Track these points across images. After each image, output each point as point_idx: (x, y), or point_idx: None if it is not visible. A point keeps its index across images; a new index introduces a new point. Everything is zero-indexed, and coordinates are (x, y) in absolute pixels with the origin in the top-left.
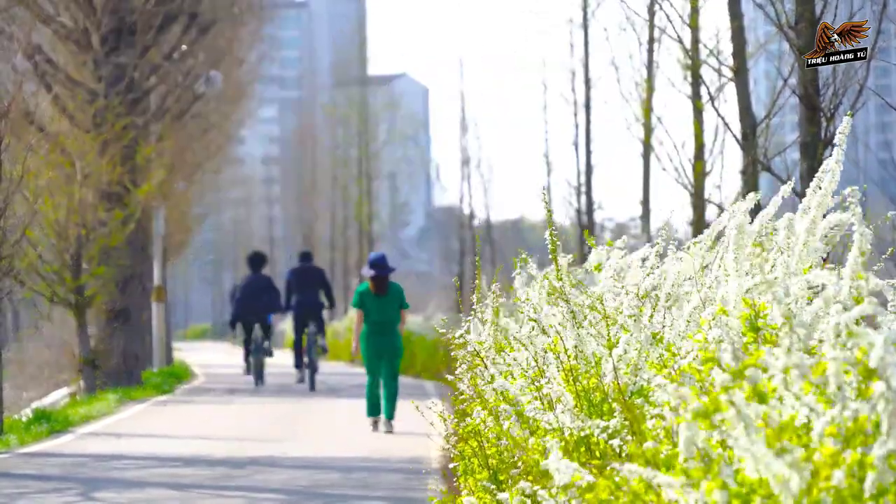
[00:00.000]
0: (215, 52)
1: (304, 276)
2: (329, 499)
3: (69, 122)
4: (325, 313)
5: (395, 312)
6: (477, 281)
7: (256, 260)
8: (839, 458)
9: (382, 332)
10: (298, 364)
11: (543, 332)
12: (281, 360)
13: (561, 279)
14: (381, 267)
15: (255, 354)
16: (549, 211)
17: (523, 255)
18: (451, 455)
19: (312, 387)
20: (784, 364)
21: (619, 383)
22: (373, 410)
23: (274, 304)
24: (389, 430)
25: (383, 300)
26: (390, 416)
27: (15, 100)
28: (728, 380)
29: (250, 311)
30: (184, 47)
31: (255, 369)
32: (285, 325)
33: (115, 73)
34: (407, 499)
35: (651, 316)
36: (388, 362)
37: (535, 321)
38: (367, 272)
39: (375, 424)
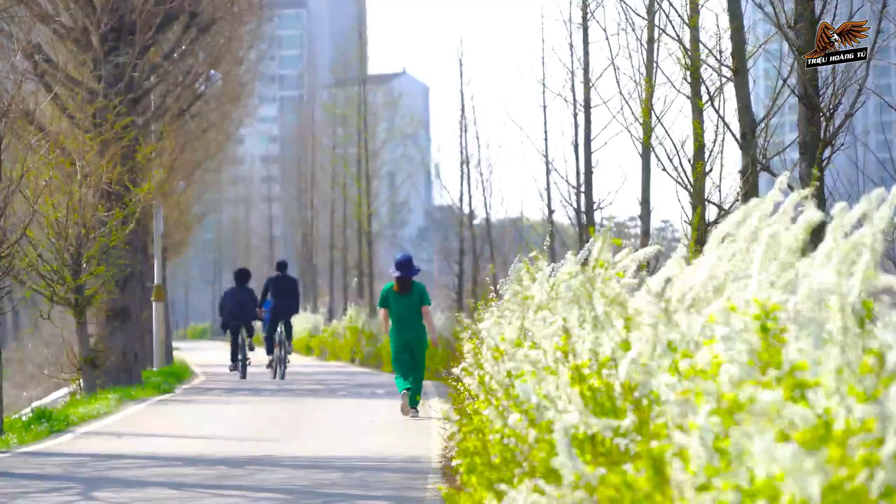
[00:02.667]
0: (215, 51)
1: (281, 285)
2: (329, 498)
3: (69, 121)
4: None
5: (418, 309)
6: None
7: (241, 275)
8: (847, 459)
9: (407, 328)
10: (270, 350)
11: (567, 332)
12: (263, 359)
13: (593, 282)
14: (405, 268)
15: (241, 353)
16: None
17: (527, 258)
18: (453, 454)
19: (283, 376)
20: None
21: (629, 383)
22: (404, 385)
23: (256, 313)
24: (415, 416)
25: (406, 298)
26: (414, 405)
27: (14, 99)
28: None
29: (237, 319)
30: (183, 46)
31: (241, 366)
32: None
33: (115, 72)
34: (407, 498)
35: (669, 323)
36: (414, 355)
37: (564, 319)
38: (393, 272)
39: (405, 410)
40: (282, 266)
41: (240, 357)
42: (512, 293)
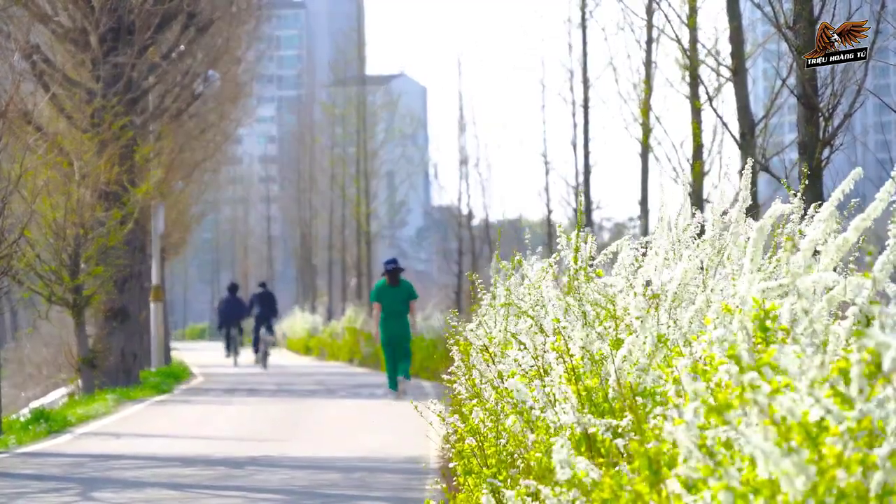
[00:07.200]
0: (213, 52)
1: (262, 298)
2: (328, 499)
3: (67, 121)
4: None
5: (405, 303)
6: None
7: (233, 287)
8: (843, 459)
9: (395, 319)
10: (256, 349)
11: (542, 331)
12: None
13: (577, 278)
14: (394, 262)
15: (234, 347)
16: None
17: (517, 257)
18: (450, 455)
19: (265, 366)
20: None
21: (623, 383)
22: (392, 384)
23: (245, 315)
24: (403, 387)
25: (395, 292)
26: (405, 374)
27: (13, 99)
28: (753, 377)
29: (230, 320)
30: (182, 47)
31: (234, 357)
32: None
33: (114, 72)
34: (406, 499)
35: (657, 317)
36: (400, 344)
37: (531, 317)
38: (386, 266)
39: (396, 397)
40: (262, 285)
41: (233, 347)
42: (491, 296)
